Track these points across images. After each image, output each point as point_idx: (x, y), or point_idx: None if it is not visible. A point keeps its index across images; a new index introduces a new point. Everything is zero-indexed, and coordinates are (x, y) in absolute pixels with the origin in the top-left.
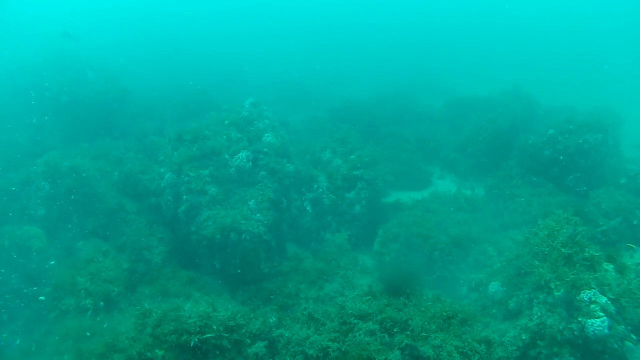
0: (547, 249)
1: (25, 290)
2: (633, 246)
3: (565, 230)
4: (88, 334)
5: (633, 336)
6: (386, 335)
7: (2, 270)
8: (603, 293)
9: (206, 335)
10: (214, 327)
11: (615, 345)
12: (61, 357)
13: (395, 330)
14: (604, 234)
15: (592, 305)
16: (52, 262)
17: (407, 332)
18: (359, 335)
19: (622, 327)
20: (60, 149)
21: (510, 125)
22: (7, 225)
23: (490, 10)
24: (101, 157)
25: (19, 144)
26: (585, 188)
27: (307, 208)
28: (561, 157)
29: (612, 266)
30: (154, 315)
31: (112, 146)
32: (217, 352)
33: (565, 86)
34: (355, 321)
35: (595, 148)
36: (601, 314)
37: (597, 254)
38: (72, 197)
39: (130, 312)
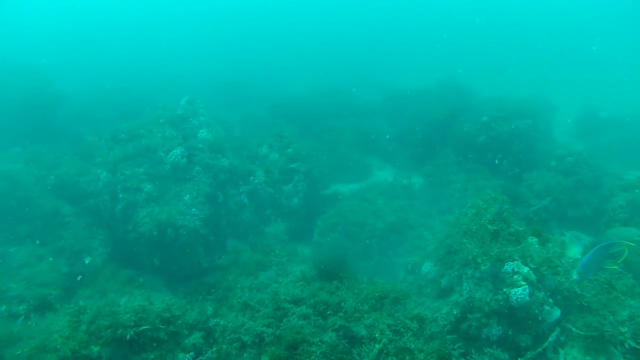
0: (475, 227)
1: None
2: (565, 233)
3: (492, 208)
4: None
5: (550, 300)
6: (320, 318)
7: None
8: (525, 264)
9: (142, 328)
10: (150, 319)
11: (536, 311)
12: None
13: (328, 312)
14: (536, 213)
15: (515, 276)
16: None
17: (340, 314)
18: (293, 319)
19: (542, 293)
20: None
21: (446, 115)
22: None
23: (434, 6)
24: (35, 162)
25: None
26: (518, 171)
27: (245, 200)
28: (494, 143)
29: (536, 239)
30: (88, 312)
31: (47, 150)
32: (155, 345)
33: (503, 78)
34: (289, 306)
35: (526, 133)
36: (523, 283)
37: (521, 228)
38: (4, 202)
39: (64, 311)
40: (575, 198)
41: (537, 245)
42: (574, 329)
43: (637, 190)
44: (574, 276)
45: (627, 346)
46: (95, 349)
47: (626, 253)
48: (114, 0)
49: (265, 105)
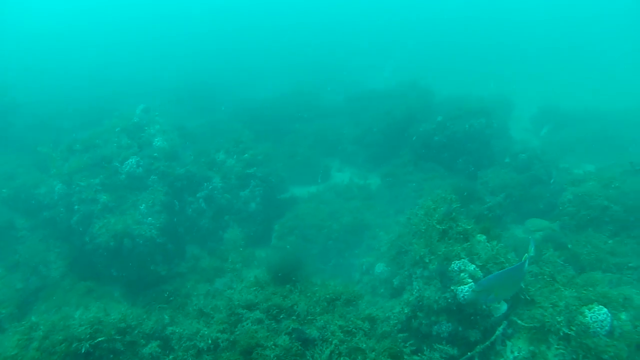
0: (424, 227)
1: None
2: (530, 238)
3: (441, 208)
4: None
5: None
6: (273, 322)
7: None
8: (472, 261)
9: (97, 340)
10: (106, 330)
11: (484, 306)
12: None
13: (281, 316)
14: (490, 210)
15: (462, 274)
16: None
17: (293, 317)
18: (247, 324)
19: None
20: None
21: (405, 115)
22: None
23: (401, 5)
24: None
25: None
26: (473, 169)
27: (203, 206)
28: (449, 142)
29: (484, 237)
30: (41, 327)
31: (1, 161)
32: (111, 356)
33: (465, 78)
34: (243, 311)
35: (481, 131)
36: (469, 280)
37: (469, 227)
38: None
39: (13, 329)
40: (528, 193)
41: (485, 243)
42: (519, 322)
43: (583, 185)
44: (469, 293)
45: (561, 333)
46: None
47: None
48: (79, 3)
49: (228, 108)
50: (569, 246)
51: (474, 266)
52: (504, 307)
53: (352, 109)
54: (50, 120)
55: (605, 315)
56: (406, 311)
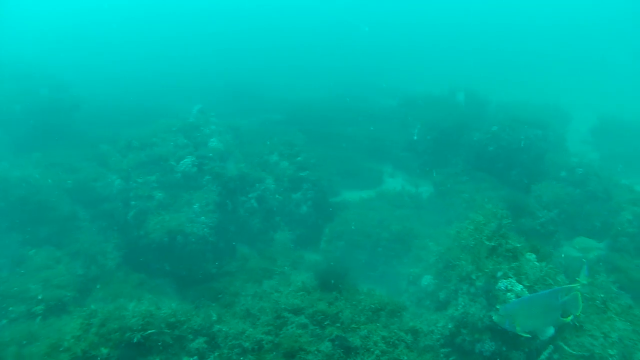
0: (473, 242)
1: None
2: (584, 260)
3: (491, 224)
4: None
5: None
6: (317, 328)
7: None
8: (520, 282)
9: (148, 332)
10: (156, 324)
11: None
12: None
13: (326, 322)
14: (543, 226)
15: (509, 293)
16: (3, 272)
17: (337, 324)
18: (292, 328)
19: None
20: (10, 159)
21: (459, 123)
22: None
23: (452, 10)
24: (54, 166)
25: None
26: (526, 181)
27: (255, 205)
28: (504, 152)
29: (534, 256)
30: (99, 315)
31: (65, 155)
32: (160, 348)
33: (521, 86)
34: (289, 315)
35: (536, 143)
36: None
37: (519, 245)
38: (24, 206)
39: (77, 313)
40: (584, 210)
41: (534, 263)
42: (566, 348)
43: None
44: (494, 317)
45: None
46: (104, 350)
47: (580, 302)
48: (130, 3)
49: (280, 109)
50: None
51: (521, 286)
52: (550, 330)
53: (404, 114)
54: (108, 116)
55: None
56: (450, 326)
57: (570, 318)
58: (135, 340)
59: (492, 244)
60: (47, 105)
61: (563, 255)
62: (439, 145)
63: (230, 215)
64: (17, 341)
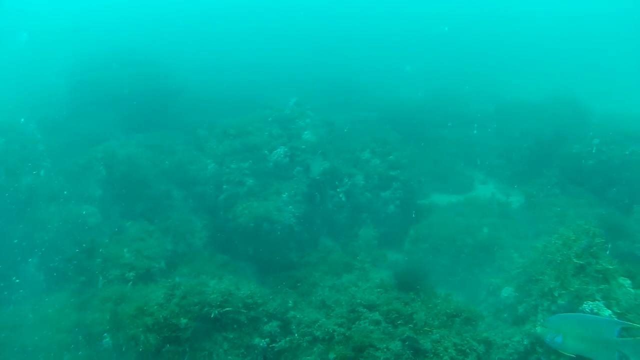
0: (560, 258)
1: (81, 260)
2: None
3: (582, 241)
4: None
5: None
6: (390, 326)
7: (60, 242)
8: (609, 306)
9: (225, 309)
10: (234, 302)
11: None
12: (101, 314)
13: (399, 322)
14: None
15: None
16: (104, 238)
17: (410, 325)
18: (365, 323)
19: None
20: (118, 138)
21: (557, 133)
22: (69, 203)
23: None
24: (154, 147)
25: (84, 133)
26: (627, 201)
27: (343, 199)
28: (604, 167)
29: (629, 282)
30: (182, 287)
31: (165, 137)
32: (235, 326)
33: (630, 96)
34: (363, 310)
35: None
36: None
37: (611, 267)
38: (125, 182)
39: (162, 284)
40: None
41: (628, 289)
42: None
43: None
44: (537, 329)
45: None
46: (183, 320)
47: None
48: None
49: (374, 107)
50: None
51: (610, 312)
52: None
53: (502, 120)
54: (206, 104)
55: None
56: (525, 342)
57: None
58: (212, 315)
59: (581, 262)
60: (152, 91)
61: None
62: (535, 155)
63: (318, 207)
64: (113, 299)
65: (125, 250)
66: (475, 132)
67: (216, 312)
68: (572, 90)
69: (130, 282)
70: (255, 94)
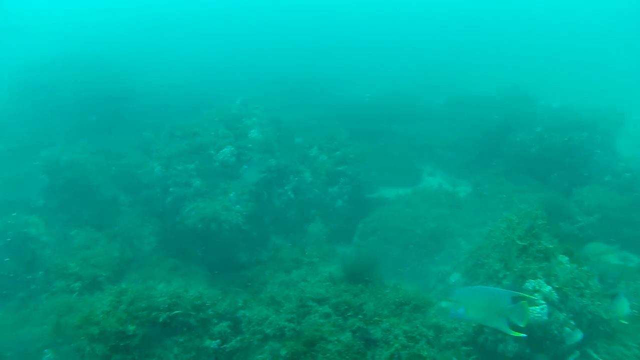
0: (504, 241)
1: (20, 274)
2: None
3: (524, 223)
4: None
5: (572, 322)
6: (340, 318)
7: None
8: (549, 282)
9: (174, 312)
10: (183, 305)
11: (555, 331)
12: (42, 327)
13: (349, 314)
14: (582, 230)
15: (536, 294)
16: (47, 249)
17: (360, 316)
18: (315, 317)
19: (564, 314)
20: (61, 144)
21: (503, 124)
22: (9, 213)
23: (498, 11)
24: (100, 153)
25: (25, 140)
26: (567, 185)
27: (291, 196)
28: (546, 154)
29: (567, 258)
30: (129, 293)
31: (112, 142)
32: (185, 329)
33: (578, 88)
34: (313, 304)
35: (581, 146)
36: (542, 302)
37: (551, 246)
38: (70, 189)
39: (109, 291)
40: (629, 216)
41: (566, 265)
42: (594, 355)
43: None
44: (442, 304)
45: None
46: (131, 327)
47: (527, 314)
48: None
49: (326, 105)
50: None
51: (550, 288)
52: (578, 335)
53: (451, 113)
54: (156, 106)
55: None
56: (473, 325)
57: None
58: (161, 319)
59: (524, 243)
60: (97, 95)
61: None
62: (482, 146)
63: (266, 205)
64: (57, 311)
65: (70, 260)
66: (424, 125)
67: (165, 316)
68: (519, 83)
69: (76, 293)
70: (207, 96)
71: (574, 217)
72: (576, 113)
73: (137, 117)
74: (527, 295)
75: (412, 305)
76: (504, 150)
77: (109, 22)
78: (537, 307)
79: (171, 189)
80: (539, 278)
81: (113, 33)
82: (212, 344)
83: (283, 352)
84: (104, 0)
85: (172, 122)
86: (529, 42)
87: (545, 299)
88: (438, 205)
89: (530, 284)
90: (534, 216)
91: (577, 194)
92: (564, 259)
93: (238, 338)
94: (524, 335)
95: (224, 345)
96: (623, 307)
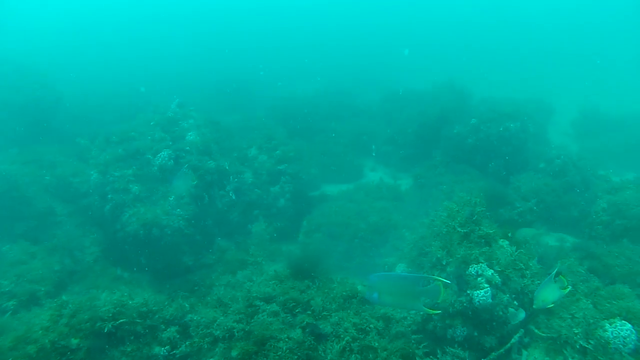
0: (445, 229)
1: None
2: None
3: (464, 211)
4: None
5: (515, 302)
6: (289, 316)
7: None
8: (491, 266)
9: (119, 321)
10: (128, 313)
11: (500, 313)
12: None
13: (297, 310)
14: (521, 215)
15: (479, 278)
16: None
17: (309, 312)
18: (263, 316)
19: (507, 295)
20: None
21: (439, 117)
22: None
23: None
24: (32, 162)
25: None
26: (504, 173)
27: (233, 198)
28: (483, 145)
29: (507, 242)
30: (70, 306)
31: (45, 151)
32: (132, 338)
33: (509, 82)
34: (260, 303)
35: (515, 135)
36: (486, 285)
37: (491, 231)
38: (1, 202)
39: (48, 305)
40: (562, 200)
41: (507, 248)
42: (536, 331)
43: (620, 193)
44: (359, 287)
45: (577, 346)
46: (74, 341)
47: (442, 293)
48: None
49: (266, 105)
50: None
51: (492, 271)
52: (521, 314)
53: (388, 109)
54: (91, 113)
55: (629, 332)
56: (422, 313)
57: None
58: (106, 330)
59: (465, 230)
60: (27, 103)
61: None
62: (420, 139)
63: (208, 208)
64: None
65: (2, 278)
66: (363, 122)
67: (110, 325)
68: (455, 78)
69: (9, 312)
70: (144, 101)
71: (513, 203)
72: (510, 104)
73: (70, 125)
74: (441, 279)
75: (359, 298)
76: (442, 142)
77: (40, 28)
78: (481, 290)
79: (110, 196)
80: (482, 262)
81: (44, 39)
82: (161, 350)
83: (234, 353)
84: (32, 5)
85: (108, 128)
86: (466, 37)
87: (489, 282)
88: (381, 199)
89: (473, 268)
90: (473, 203)
91: (514, 181)
92: (504, 242)
93: (187, 343)
94: (439, 312)
95: (174, 351)
96: (553, 292)
